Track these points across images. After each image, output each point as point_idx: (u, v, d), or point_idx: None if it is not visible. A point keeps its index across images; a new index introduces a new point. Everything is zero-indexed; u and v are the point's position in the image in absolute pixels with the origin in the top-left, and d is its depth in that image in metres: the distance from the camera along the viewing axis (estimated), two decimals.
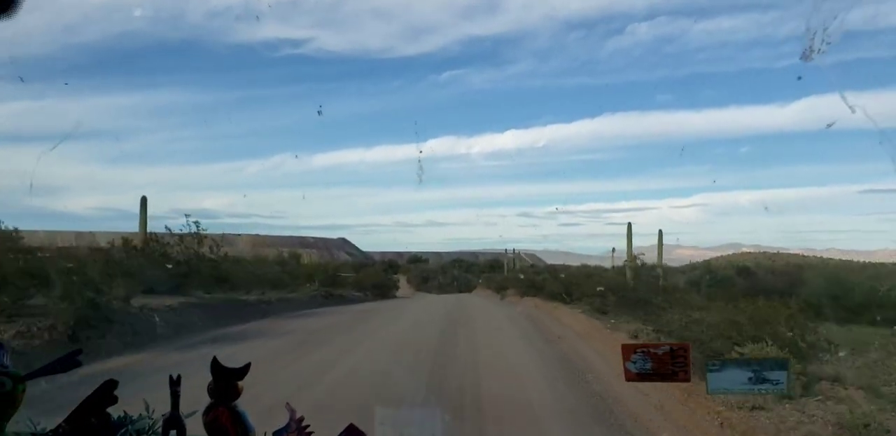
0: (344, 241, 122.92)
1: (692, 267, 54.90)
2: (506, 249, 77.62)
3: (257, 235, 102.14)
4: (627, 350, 2.34)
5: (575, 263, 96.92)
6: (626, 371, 2.34)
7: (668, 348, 2.32)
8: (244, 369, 1.65)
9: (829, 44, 2.00)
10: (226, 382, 1.64)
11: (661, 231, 34.27)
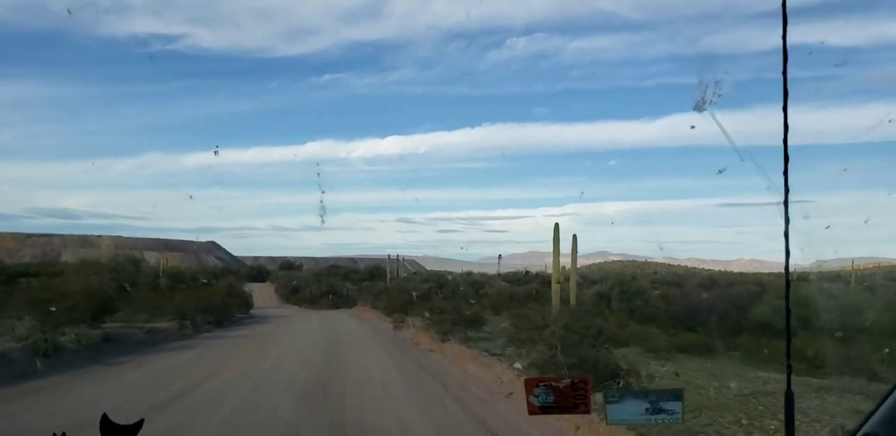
0: (214, 244, 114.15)
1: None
2: (388, 255, 68.09)
3: (120, 236, 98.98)
4: (530, 384, 2.28)
5: (456, 269, 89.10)
6: (530, 405, 2.28)
7: (569, 381, 2.26)
8: (137, 426, 1.48)
9: (720, 96, 1.86)
10: None
11: (574, 236, 24.74)
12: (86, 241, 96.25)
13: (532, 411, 2.32)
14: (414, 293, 31.19)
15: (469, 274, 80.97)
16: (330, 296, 51.11)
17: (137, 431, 1.48)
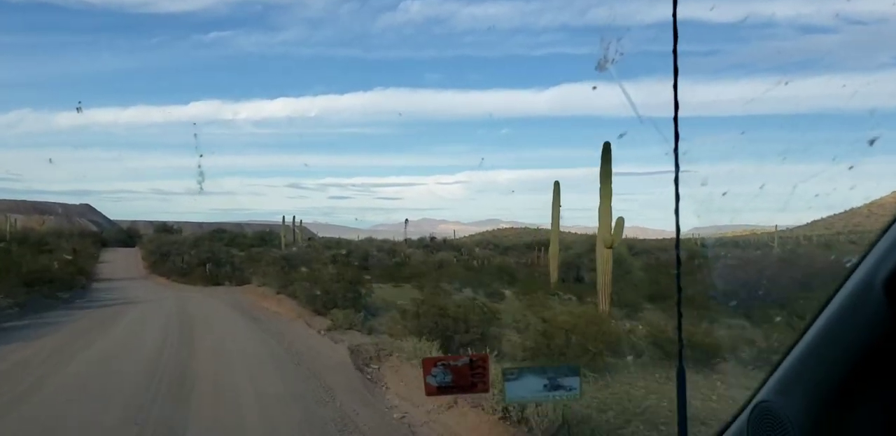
0: (88, 207, 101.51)
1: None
2: (283, 219, 55.34)
3: None
4: (428, 364, 2.14)
5: (348, 236, 78.02)
6: (427, 385, 2.15)
7: (467, 359, 2.13)
8: None
9: (622, 54, 1.78)
10: None
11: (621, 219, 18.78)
12: None
13: (430, 391, 2.13)
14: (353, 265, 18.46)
15: (371, 240, 69.91)
16: (208, 266, 37.22)
17: None
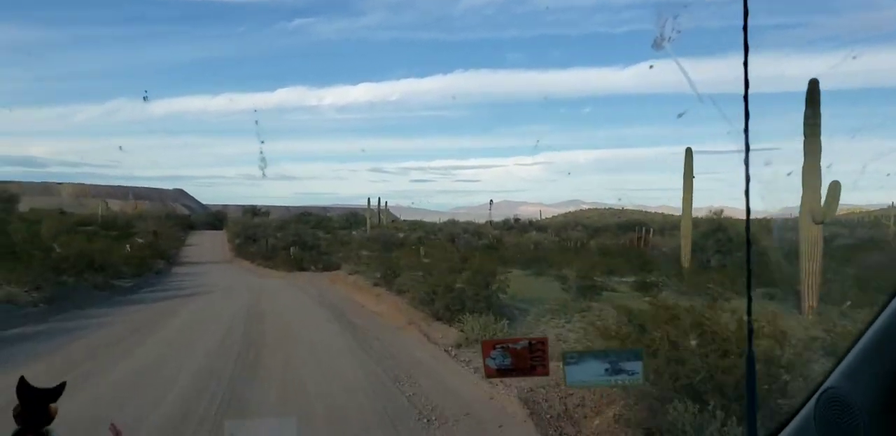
0: (181, 192, 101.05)
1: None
2: (368, 200, 51.24)
3: (82, 184, 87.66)
4: (487, 346, 2.04)
5: (429, 219, 73.73)
6: (486, 367, 2.04)
7: (526, 342, 2.02)
8: (58, 390, 1.25)
9: (679, 32, 1.62)
10: (36, 404, 1.23)
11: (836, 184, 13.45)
12: (46, 188, 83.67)
13: (489, 373, 2.02)
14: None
15: (454, 222, 65.23)
16: (292, 249, 32.97)
17: (59, 395, 1.21)
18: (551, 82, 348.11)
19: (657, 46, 1.66)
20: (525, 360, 2.01)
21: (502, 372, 2.04)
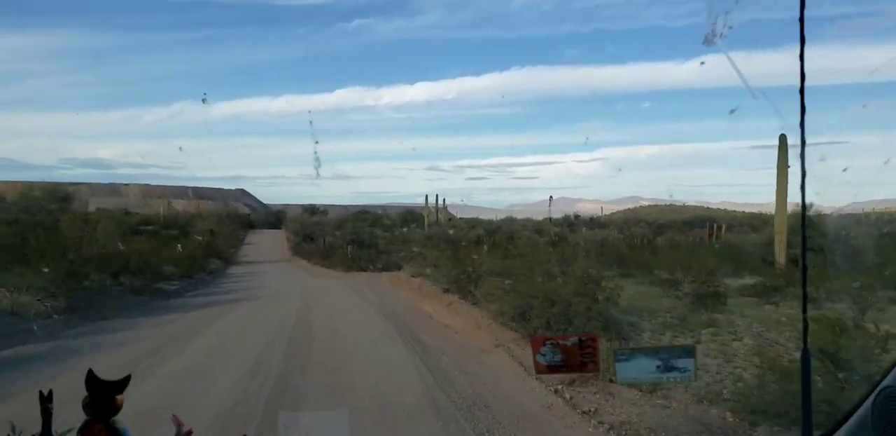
0: (243, 192, 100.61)
1: None
2: (426, 197, 49.17)
3: (148, 185, 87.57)
4: (537, 343, 2.04)
5: (485, 216, 71.18)
6: (537, 364, 2.04)
7: (576, 339, 1.99)
8: (124, 382, 1.28)
9: (731, 27, 1.58)
10: (103, 396, 1.25)
11: None
12: (114, 189, 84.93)
13: (539, 370, 2.01)
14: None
15: (511, 219, 62.56)
16: (350, 248, 30.85)
17: (124, 387, 1.24)
18: (608, 78, 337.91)
19: (708, 42, 1.62)
20: (575, 356, 1.91)
21: (553, 368, 1.96)
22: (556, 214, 67.39)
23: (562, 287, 7.74)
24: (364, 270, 25.55)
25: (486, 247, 17.36)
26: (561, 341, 1.96)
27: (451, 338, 8.86)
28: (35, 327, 9.31)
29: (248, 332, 9.75)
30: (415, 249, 18.99)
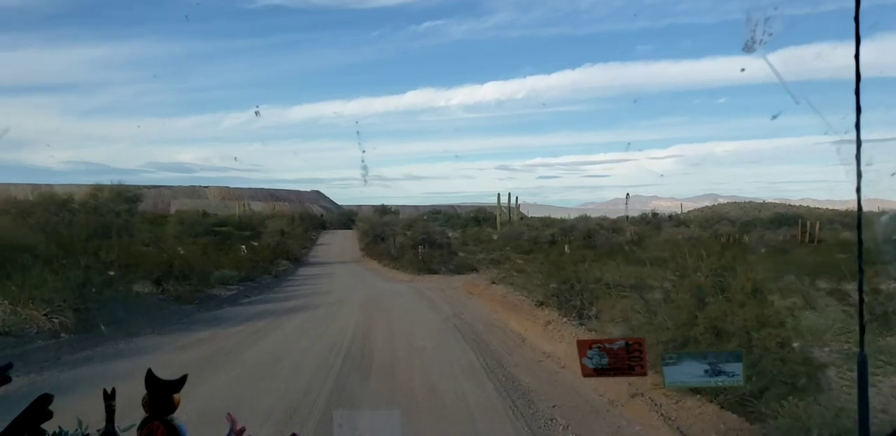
0: (318, 193, 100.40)
1: None
2: (498, 196, 46.93)
3: (226, 187, 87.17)
4: (583, 346, 1.89)
5: (557, 215, 68.52)
6: (583, 367, 1.90)
7: (622, 342, 1.87)
8: (181, 381, 1.28)
9: (770, 35, 1.58)
10: (161, 394, 1.27)
11: None
12: (194, 191, 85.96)
13: (586, 373, 1.87)
14: None
15: (586, 218, 59.22)
16: (421, 249, 28.57)
17: (181, 386, 1.25)
18: (683, 73, 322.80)
19: (748, 50, 1.61)
20: (622, 360, 1.86)
21: (599, 372, 1.90)
22: (631, 213, 63.68)
23: (729, 309, 5.01)
24: (435, 272, 23.14)
25: (580, 249, 14.61)
26: (608, 345, 1.83)
27: (560, 378, 6.20)
28: (30, 351, 7.27)
29: (289, 361, 7.38)
30: (494, 251, 16.34)
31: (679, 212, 72.42)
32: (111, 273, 9.60)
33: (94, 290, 8.95)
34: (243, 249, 22.86)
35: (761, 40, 1.56)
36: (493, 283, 13.28)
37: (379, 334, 9.15)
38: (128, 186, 27.75)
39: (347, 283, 19.80)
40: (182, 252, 14.63)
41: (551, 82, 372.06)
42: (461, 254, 25.73)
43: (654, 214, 61.93)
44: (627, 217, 58.28)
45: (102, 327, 8.78)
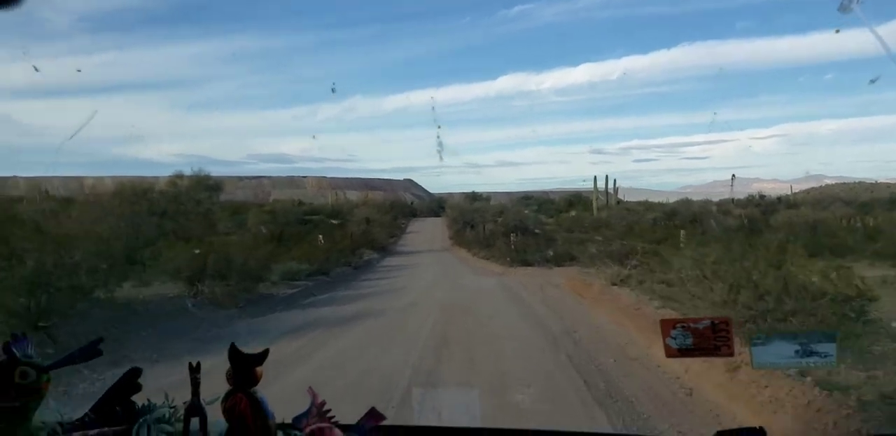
0: (410, 182, 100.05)
1: None
2: (594, 178, 43.27)
3: (323, 177, 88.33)
4: (667, 326, 1.75)
5: (655, 199, 63.12)
6: (667, 347, 1.75)
7: (708, 322, 1.73)
8: (262, 355, 1.25)
9: None
10: (244, 368, 1.24)
11: None
12: (292, 182, 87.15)
13: (670, 353, 1.73)
14: None
15: (687, 201, 53.93)
16: (513, 237, 25.15)
17: (264, 359, 1.23)
18: (787, 49, 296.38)
19: (844, 9, 1.50)
20: (708, 340, 1.73)
21: (684, 352, 1.76)
22: (735, 195, 57.84)
23: None
24: (529, 264, 19.64)
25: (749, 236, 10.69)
26: (692, 324, 1.69)
27: None
28: None
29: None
30: (613, 241, 12.56)
31: (788, 193, 65.33)
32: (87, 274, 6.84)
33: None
34: (320, 239, 20.29)
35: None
36: (615, 284, 9.65)
37: (451, 373, 5.85)
38: (209, 176, 25.70)
39: (429, 276, 16.76)
40: (235, 243, 11.96)
41: (646, 63, 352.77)
42: (561, 242, 22.03)
43: (762, 196, 55.79)
44: (733, 200, 52.56)
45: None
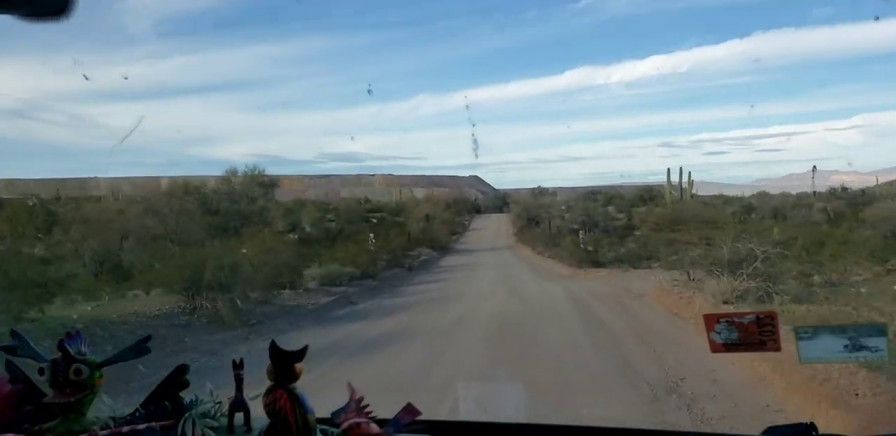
0: (476, 178, 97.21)
1: None
2: (668, 171, 40.04)
3: (391, 175, 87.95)
4: (710, 320, 1.63)
5: (728, 192, 58.61)
6: (712, 342, 1.64)
7: (753, 316, 1.62)
8: (302, 352, 1.23)
9: None
10: (284, 365, 1.23)
11: None
12: (361, 180, 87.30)
13: (715, 348, 1.62)
14: None
15: (764, 195, 49.73)
16: (582, 234, 22.47)
17: (303, 356, 1.20)
18: (865, 37, 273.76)
19: None
20: (753, 334, 1.63)
21: (729, 347, 1.66)
22: (810, 189, 52.77)
23: None
24: (601, 265, 17.02)
25: None
26: (737, 319, 1.62)
27: None
28: None
29: None
30: (719, 244, 9.66)
31: (871, 185, 59.30)
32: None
33: None
34: (371, 238, 18.34)
35: None
36: (727, 302, 6.98)
37: None
38: (263, 172, 24.32)
39: (486, 282, 14.45)
40: (244, 250, 9.91)
41: (718, 53, 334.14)
42: (638, 240, 19.29)
43: (844, 189, 50.60)
44: (815, 193, 47.64)
45: None
